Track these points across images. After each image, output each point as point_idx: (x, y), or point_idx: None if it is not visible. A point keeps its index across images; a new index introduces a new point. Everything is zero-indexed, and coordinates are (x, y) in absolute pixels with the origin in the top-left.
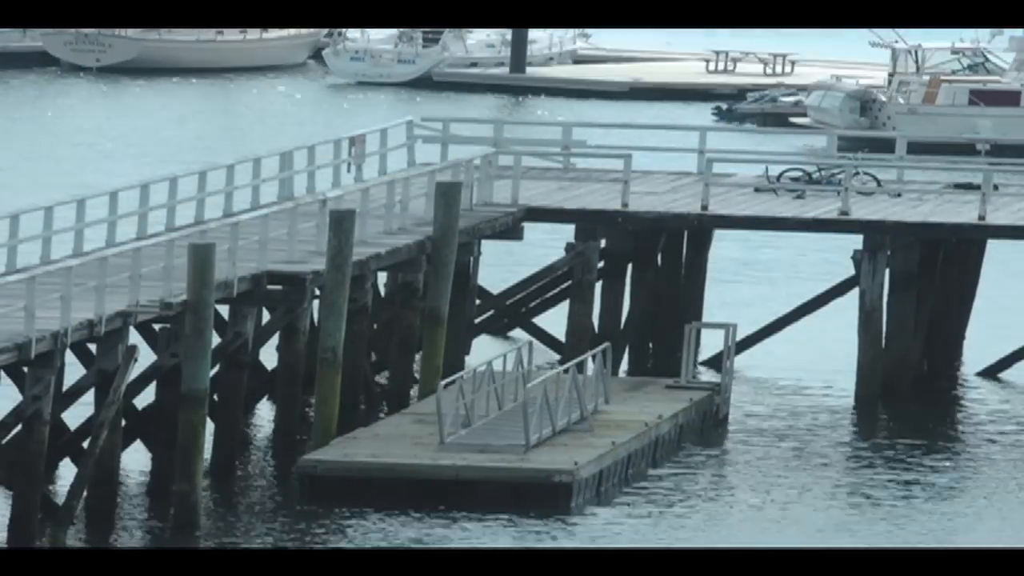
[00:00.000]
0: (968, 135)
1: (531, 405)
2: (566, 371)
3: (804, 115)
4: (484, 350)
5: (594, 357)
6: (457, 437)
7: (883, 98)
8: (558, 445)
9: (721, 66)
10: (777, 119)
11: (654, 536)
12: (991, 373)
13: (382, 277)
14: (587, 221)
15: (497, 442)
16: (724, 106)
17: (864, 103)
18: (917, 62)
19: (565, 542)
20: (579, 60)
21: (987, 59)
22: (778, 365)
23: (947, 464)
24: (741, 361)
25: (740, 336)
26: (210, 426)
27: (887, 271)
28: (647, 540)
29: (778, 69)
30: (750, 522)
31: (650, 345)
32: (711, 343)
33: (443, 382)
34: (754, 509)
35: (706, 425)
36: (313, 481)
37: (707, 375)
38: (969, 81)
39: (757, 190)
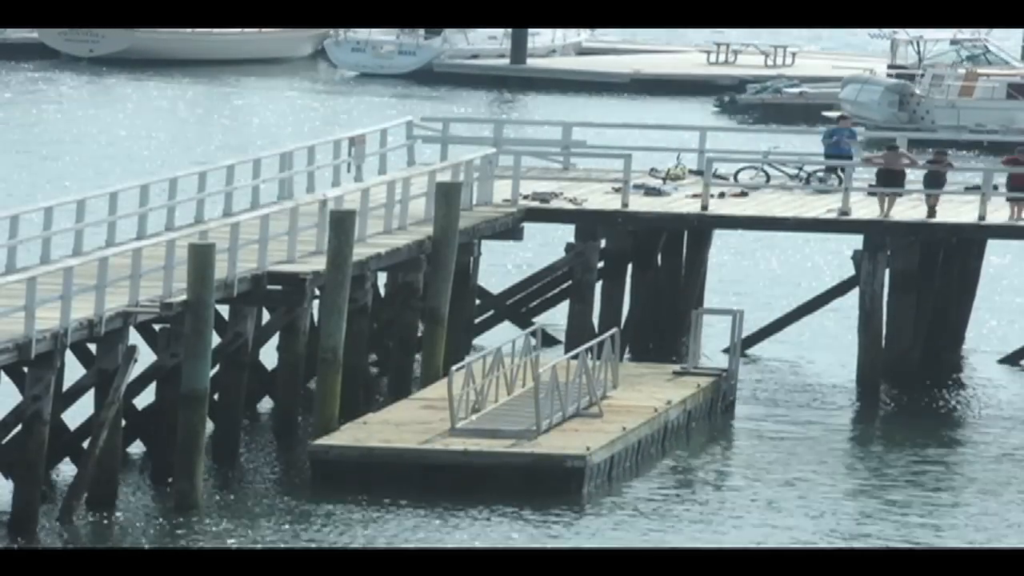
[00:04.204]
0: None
1: (542, 390)
2: (575, 357)
3: (833, 108)
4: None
5: (602, 343)
6: (468, 422)
7: (920, 92)
8: (569, 430)
9: (722, 57)
10: (779, 110)
11: (665, 523)
12: (992, 372)
13: (382, 277)
14: (587, 221)
15: (508, 427)
16: (726, 98)
17: (902, 97)
18: (918, 53)
19: (577, 528)
20: (583, 52)
21: (988, 50)
22: (784, 354)
23: (948, 462)
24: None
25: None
26: (210, 426)
27: (887, 271)
28: (658, 527)
29: (779, 60)
30: (757, 511)
31: (650, 345)
32: (711, 344)
33: (454, 367)
34: (761, 498)
35: (713, 411)
36: (324, 466)
37: (716, 361)
38: (1006, 75)
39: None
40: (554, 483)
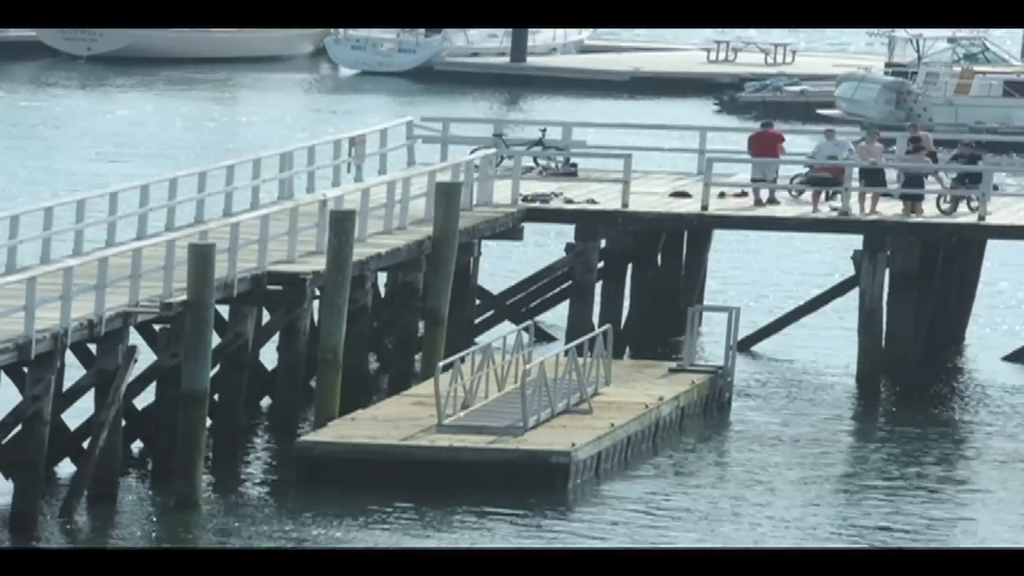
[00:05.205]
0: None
1: (530, 387)
2: (566, 353)
3: (831, 106)
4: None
5: (594, 339)
6: (456, 419)
7: (916, 89)
8: (557, 427)
9: (722, 55)
10: (780, 108)
11: (652, 521)
12: (992, 372)
13: (382, 277)
14: (587, 221)
15: (495, 423)
16: (725, 97)
17: (899, 94)
18: (917, 51)
19: (561, 525)
20: (585, 50)
21: (987, 48)
22: (783, 352)
23: (948, 462)
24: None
25: (739, 337)
26: (210, 425)
27: (887, 271)
28: (645, 525)
29: (779, 58)
30: (749, 510)
31: (650, 345)
32: (712, 343)
33: (442, 363)
34: (753, 497)
35: (709, 408)
36: (310, 462)
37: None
38: (1003, 72)
39: None
40: (539, 479)
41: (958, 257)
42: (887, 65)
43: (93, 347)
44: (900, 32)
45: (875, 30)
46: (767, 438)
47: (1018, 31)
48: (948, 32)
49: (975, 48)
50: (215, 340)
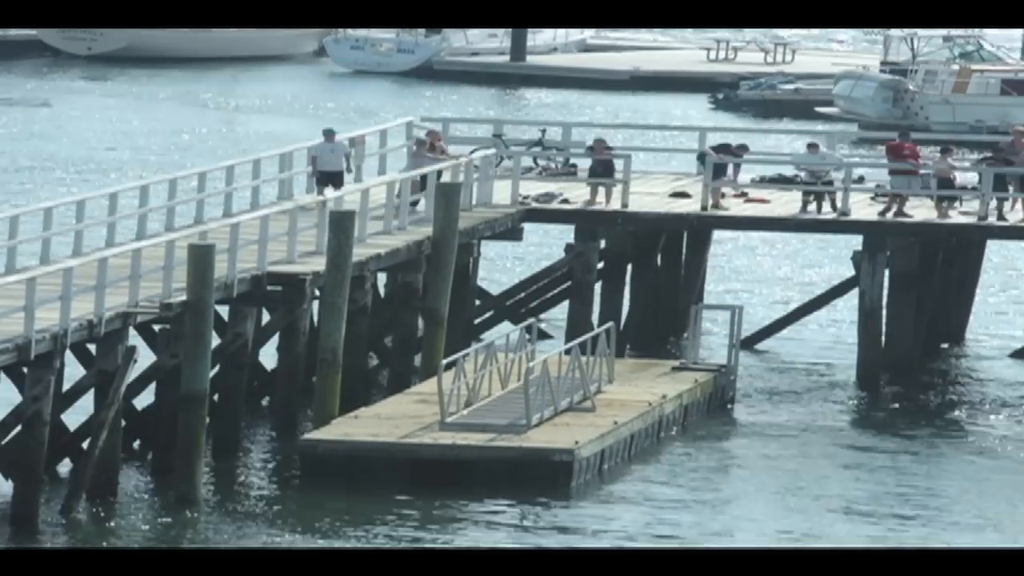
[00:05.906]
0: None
1: (534, 385)
2: (569, 351)
3: (827, 104)
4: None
5: (597, 337)
6: (459, 417)
7: (914, 88)
8: (560, 425)
9: (722, 55)
10: (777, 107)
11: (655, 520)
12: (991, 371)
13: (382, 277)
14: (587, 221)
15: (498, 421)
16: (720, 95)
17: (896, 93)
18: (911, 49)
19: (564, 523)
20: (585, 49)
21: (981, 47)
22: (785, 352)
23: (948, 462)
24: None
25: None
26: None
27: (887, 271)
28: (648, 523)
29: (779, 57)
30: (752, 509)
31: (650, 346)
32: (713, 342)
33: (443, 361)
34: (756, 496)
35: (712, 406)
36: (314, 460)
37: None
38: (1000, 71)
39: None
40: (542, 477)
41: (958, 257)
42: (882, 63)
43: (93, 347)
44: (895, 31)
45: (869, 29)
46: (769, 437)
47: (1018, 32)
48: (942, 31)
49: (970, 47)
50: (215, 340)
